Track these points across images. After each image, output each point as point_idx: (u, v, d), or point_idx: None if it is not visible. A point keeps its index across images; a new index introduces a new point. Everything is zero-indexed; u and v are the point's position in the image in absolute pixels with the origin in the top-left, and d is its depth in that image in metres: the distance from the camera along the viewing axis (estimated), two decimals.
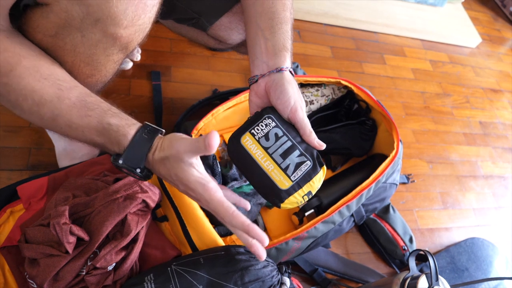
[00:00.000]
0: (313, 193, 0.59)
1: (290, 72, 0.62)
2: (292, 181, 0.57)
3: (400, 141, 0.89)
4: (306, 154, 0.59)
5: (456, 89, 1.53)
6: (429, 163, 1.25)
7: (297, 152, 0.58)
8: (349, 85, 0.96)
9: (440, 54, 1.64)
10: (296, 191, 0.57)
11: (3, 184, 0.74)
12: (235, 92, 0.91)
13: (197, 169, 0.51)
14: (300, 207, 0.85)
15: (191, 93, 1.08)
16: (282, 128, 0.59)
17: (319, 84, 0.99)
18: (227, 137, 0.95)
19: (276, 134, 0.58)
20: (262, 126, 0.59)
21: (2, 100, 0.51)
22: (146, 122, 0.53)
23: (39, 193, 0.73)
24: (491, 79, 1.65)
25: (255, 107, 0.64)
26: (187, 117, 0.99)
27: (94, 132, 0.50)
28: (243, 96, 0.89)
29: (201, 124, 0.83)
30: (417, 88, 1.45)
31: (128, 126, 0.51)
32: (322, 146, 0.60)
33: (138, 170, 0.51)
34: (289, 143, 0.58)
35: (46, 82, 0.49)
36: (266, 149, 0.58)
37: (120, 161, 0.50)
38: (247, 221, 0.51)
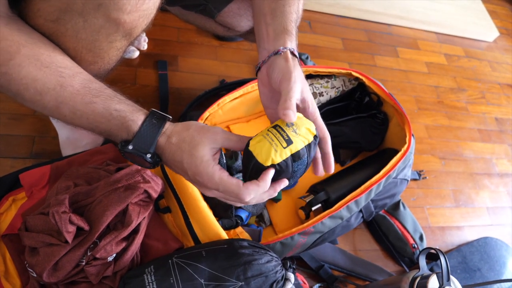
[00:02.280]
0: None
1: (292, 52, 0.57)
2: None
3: (412, 135, 0.86)
4: None
5: (471, 84, 1.49)
6: (441, 159, 1.22)
7: None
8: (361, 76, 0.93)
9: (456, 47, 1.59)
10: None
11: (6, 172, 0.73)
12: (243, 83, 0.88)
13: (212, 155, 0.50)
14: (307, 201, 0.83)
15: (198, 83, 1.06)
16: None
17: (329, 76, 0.96)
18: (233, 128, 0.93)
19: None
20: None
21: (3, 90, 0.49)
22: (153, 109, 0.51)
23: (42, 182, 0.72)
24: (508, 74, 1.60)
25: (263, 97, 0.60)
26: (193, 107, 0.97)
27: (100, 119, 0.49)
28: (250, 87, 0.86)
29: (206, 113, 0.81)
30: (431, 82, 1.41)
31: (136, 112, 0.50)
32: (287, 116, 0.49)
33: (149, 156, 0.49)
34: None
35: (48, 70, 0.48)
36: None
37: (130, 147, 0.49)
38: (265, 186, 0.49)
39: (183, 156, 0.49)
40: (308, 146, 0.50)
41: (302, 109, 0.55)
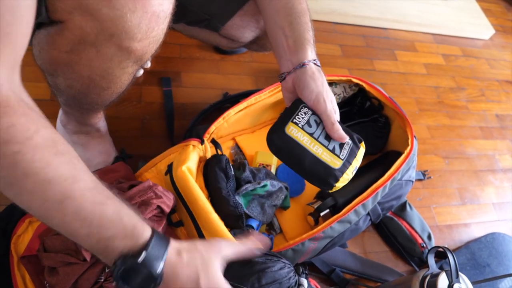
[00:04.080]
0: (357, 168, 0.64)
1: (315, 63, 0.64)
2: (342, 159, 0.61)
3: (415, 137, 0.88)
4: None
5: (470, 83, 1.51)
6: (445, 158, 1.23)
7: None
8: (360, 82, 0.95)
9: (453, 47, 1.61)
10: (347, 168, 0.62)
11: None
12: (246, 95, 0.90)
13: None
14: (315, 207, 0.85)
15: (202, 98, 1.08)
16: (318, 115, 0.63)
17: (330, 83, 0.99)
18: (239, 140, 0.96)
19: (315, 121, 0.63)
20: (302, 115, 0.62)
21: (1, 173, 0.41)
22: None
23: None
24: (506, 71, 1.62)
25: (287, 100, 0.68)
26: (199, 121, 0.99)
27: (107, 223, 0.43)
28: (254, 98, 0.88)
29: (212, 127, 0.83)
30: (430, 83, 1.43)
31: (144, 220, 0.46)
32: (343, 139, 0.62)
33: (159, 270, 0.43)
34: None
35: (63, 158, 0.43)
36: (311, 134, 0.61)
37: (142, 255, 0.43)
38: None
39: (199, 274, 0.47)
40: None
41: None
